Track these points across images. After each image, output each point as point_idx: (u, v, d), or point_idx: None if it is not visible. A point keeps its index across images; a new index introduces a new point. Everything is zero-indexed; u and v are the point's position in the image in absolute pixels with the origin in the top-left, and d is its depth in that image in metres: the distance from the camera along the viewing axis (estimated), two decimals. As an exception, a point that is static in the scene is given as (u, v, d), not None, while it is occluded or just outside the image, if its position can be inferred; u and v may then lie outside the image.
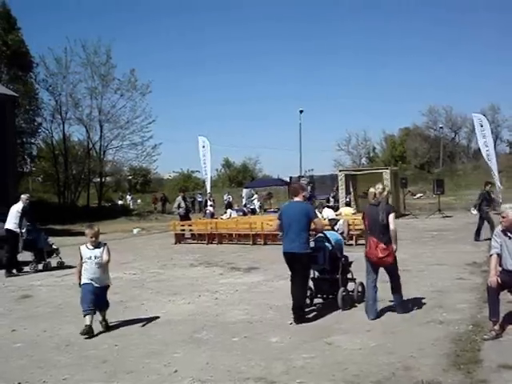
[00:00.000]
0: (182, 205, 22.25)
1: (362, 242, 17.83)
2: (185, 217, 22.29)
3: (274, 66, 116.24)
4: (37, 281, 12.97)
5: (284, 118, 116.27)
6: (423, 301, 9.19)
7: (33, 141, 41.70)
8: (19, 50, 37.29)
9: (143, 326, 8.39)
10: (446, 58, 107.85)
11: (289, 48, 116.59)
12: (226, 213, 26.27)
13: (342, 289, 8.85)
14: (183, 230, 21.76)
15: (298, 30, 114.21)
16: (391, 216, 8.29)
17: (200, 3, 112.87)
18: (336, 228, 17.68)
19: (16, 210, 14.48)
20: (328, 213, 19.62)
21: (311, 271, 8.99)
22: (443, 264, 12.27)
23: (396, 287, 8.57)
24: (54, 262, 15.27)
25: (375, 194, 8.60)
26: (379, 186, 8.66)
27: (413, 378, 5.63)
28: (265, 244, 19.13)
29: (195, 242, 21.29)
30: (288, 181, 46.02)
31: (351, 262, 9.41)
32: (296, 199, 8.78)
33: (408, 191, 34.93)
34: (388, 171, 30.34)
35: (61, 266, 15.05)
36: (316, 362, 6.30)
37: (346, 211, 23.91)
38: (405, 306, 8.56)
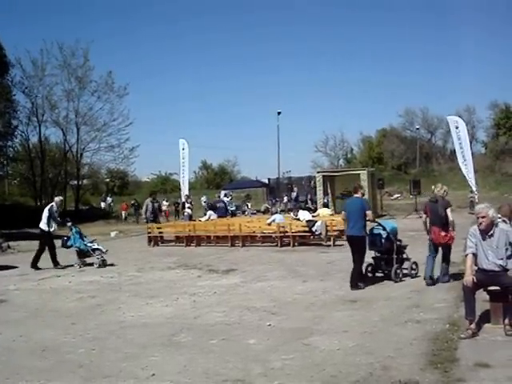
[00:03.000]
0: (150, 208, 21.93)
1: (340, 242, 17.98)
2: (153, 221, 22.03)
3: (252, 68, 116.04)
4: (13, 285, 12.80)
5: (262, 120, 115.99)
6: (401, 300, 9.25)
7: (9, 144, 41.24)
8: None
9: (120, 329, 8.31)
10: (422, 59, 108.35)
11: (266, 51, 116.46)
12: (205, 215, 26.17)
13: (395, 266, 10.96)
14: (161, 233, 21.67)
15: (277, 34, 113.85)
16: (449, 210, 10.49)
17: (177, 8, 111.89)
18: (314, 229, 17.77)
19: (46, 210, 15.71)
20: (304, 215, 19.64)
21: (372, 252, 11.37)
22: (421, 264, 12.29)
23: (446, 260, 10.65)
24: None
25: (434, 191, 10.90)
26: (438, 185, 10.96)
27: (391, 377, 5.64)
28: (243, 246, 19.12)
29: (173, 244, 21.21)
30: (266, 182, 46.03)
31: (406, 246, 11.59)
32: (356, 195, 11.21)
33: (385, 192, 35.21)
34: (365, 172, 30.52)
35: (100, 265, 15.29)
36: (294, 364, 6.28)
37: (323, 212, 23.98)
38: (445, 277, 10.55)
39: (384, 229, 11.14)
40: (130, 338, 7.80)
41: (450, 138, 62.30)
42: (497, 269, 7.17)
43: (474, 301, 7.19)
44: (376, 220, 11.40)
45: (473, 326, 7.04)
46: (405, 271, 11.26)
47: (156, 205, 22.78)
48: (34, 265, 15.32)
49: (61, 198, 17.44)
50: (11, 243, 21.49)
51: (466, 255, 7.52)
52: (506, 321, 7.03)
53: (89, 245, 15.66)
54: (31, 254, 15.74)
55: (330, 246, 17.53)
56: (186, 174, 32.48)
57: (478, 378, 5.53)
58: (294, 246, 18.23)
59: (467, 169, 26.67)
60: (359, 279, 10.71)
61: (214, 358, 6.64)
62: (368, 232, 11.19)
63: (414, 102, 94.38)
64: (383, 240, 11.10)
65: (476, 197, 26.27)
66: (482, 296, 7.54)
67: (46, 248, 15.51)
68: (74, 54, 41.96)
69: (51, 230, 15.50)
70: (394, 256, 11.01)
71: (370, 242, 11.15)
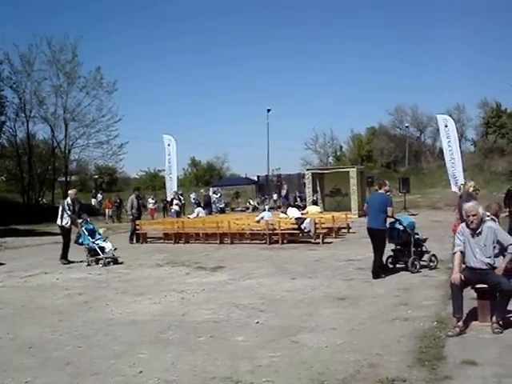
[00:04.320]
0: (135, 204, 21.64)
1: (329, 240, 18.06)
2: (137, 218, 21.77)
3: (242, 65, 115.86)
4: (-1, 282, 12.74)
5: (252, 117, 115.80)
6: (389, 298, 9.28)
7: (-4, 139, 41.06)
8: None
9: (108, 326, 8.27)
10: (412, 58, 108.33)
11: (257, 50, 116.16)
12: (193, 211, 26.16)
13: (412, 257, 11.67)
14: (138, 230, 21.38)
15: (268, 35, 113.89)
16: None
17: (170, 8, 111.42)
18: (303, 227, 17.80)
19: (60, 204, 16.07)
20: (293, 212, 19.67)
21: (393, 245, 12.10)
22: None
23: None
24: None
25: (460, 188, 12.34)
26: (467, 182, 12.15)
27: (378, 374, 5.64)
28: (232, 243, 19.11)
29: (162, 241, 21.16)
30: (256, 180, 46.06)
31: (425, 239, 12.26)
32: (379, 191, 12.02)
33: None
34: (354, 170, 30.61)
35: (106, 264, 14.78)
36: (282, 361, 6.28)
37: (312, 210, 24.04)
38: None
39: (400, 223, 11.86)
40: (118, 335, 7.77)
41: (439, 136, 62.38)
42: (484, 267, 7.21)
43: (462, 299, 7.21)
44: (394, 216, 11.98)
45: (460, 323, 7.07)
46: (424, 263, 11.89)
47: (140, 201, 22.53)
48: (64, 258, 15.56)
49: (74, 190, 17.21)
50: (-2, 240, 21.37)
51: (454, 253, 7.56)
52: (494, 318, 7.06)
53: (96, 242, 15.28)
54: (18, 251, 15.66)
55: (318, 243, 17.55)
56: (174, 170, 32.37)
57: (465, 375, 5.55)
58: (282, 243, 18.23)
59: (454, 167, 26.82)
60: (380, 269, 11.46)
61: (201, 356, 6.62)
62: (387, 226, 11.92)
63: (404, 101, 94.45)
64: (400, 233, 11.82)
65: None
66: (469, 294, 7.58)
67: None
68: (62, 50, 41.83)
69: (63, 224, 15.48)
70: (412, 248, 11.71)
71: (388, 235, 11.86)
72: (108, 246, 15.41)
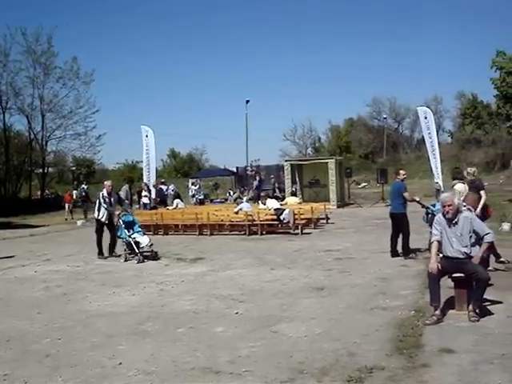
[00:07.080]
0: (128, 196, 21.59)
1: (308, 231, 18.12)
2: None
3: (221, 56, 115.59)
4: (-24, 275, 12.62)
5: (230, 108, 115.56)
6: (367, 288, 9.35)
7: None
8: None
9: (87, 318, 8.24)
10: (390, 50, 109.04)
11: (236, 39, 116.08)
12: (172, 203, 26.05)
13: None
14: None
15: (247, 28, 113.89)
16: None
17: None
18: (282, 218, 17.84)
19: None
20: (272, 203, 19.72)
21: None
22: (387, 252, 12.48)
23: None
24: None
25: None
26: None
27: (357, 363, 5.70)
28: (211, 234, 19.09)
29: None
30: (235, 171, 45.99)
31: None
32: (396, 180, 13.18)
33: (353, 180, 35.41)
34: (333, 161, 30.75)
35: (140, 261, 13.53)
36: (261, 351, 6.31)
37: (291, 201, 24.08)
38: None
39: (427, 208, 12.37)
40: (97, 327, 7.75)
41: (416, 127, 63.35)
42: (461, 256, 7.29)
43: (439, 288, 7.29)
44: (414, 199, 12.77)
45: (438, 312, 7.15)
46: None
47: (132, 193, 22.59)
48: (100, 252, 14.79)
49: (110, 181, 15.73)
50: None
51: (431, 243, 7.64)
52: (470, 307, 7.14)
53: (133, 236, 14.01)
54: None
55: (297, 234, 17.63)
56: (153, 162, 32.15)
57: (442, 363, 5.62)
58: (261, 234, 18.29)
59: (435, 158, 27.04)
60: (409, 250, 12.49)
61: (181, 346, 6.63)
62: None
63: (382, 92, 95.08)
64: (430, 217, 12.14)
65: (441, 185, 26.61)
66: (446, 283, 7.66)
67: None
68: (37, 40, 41.38)
69: (99, 217, 14.73)
70: None
71: (423, 219, 12.50)
72: (144, 240, 14.05)
